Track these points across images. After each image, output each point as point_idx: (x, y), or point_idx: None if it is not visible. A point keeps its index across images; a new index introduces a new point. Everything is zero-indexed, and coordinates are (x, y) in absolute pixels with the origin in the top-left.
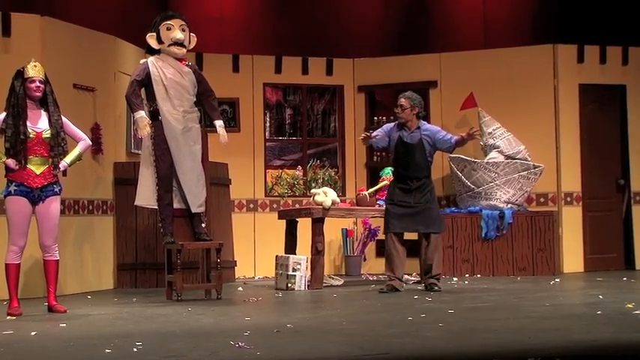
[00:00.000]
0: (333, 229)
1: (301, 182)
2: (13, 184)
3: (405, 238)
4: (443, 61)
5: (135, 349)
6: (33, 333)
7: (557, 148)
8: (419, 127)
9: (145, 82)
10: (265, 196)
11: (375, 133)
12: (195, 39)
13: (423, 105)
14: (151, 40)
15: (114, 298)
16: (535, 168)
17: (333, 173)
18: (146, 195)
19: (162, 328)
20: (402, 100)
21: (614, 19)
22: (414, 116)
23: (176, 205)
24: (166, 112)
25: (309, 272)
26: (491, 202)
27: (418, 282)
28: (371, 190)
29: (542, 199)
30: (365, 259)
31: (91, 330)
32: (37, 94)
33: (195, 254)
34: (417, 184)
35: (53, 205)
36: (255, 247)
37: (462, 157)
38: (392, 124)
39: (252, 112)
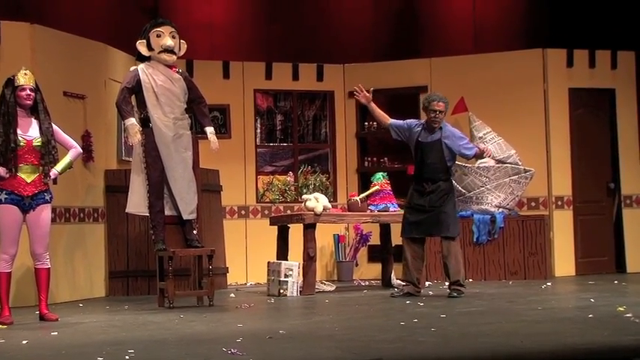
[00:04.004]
0: (324, 235)
1: (292, 188)
2: (4, 192)
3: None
4: (433, 66)
5: (127, 357)
6: (24, 342)
7: (547, 152)
8: (441, 128)
9: (135, 89)
10: (257, 202)
11: (395, 121)
12: (186, 46)
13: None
14: (141, 47)
15: (106, 305)
16: (526, 172)
17: (324, 179)
18: (137, 202)
19: (155, 336)
20: (441, 105)
21: (603, 23)
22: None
23: (167, 212)
24: (157, 119)
25: (301, 278)
26: (482, 206)
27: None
28: (362, 195)
29: (533, 203)
30: (357, 265)
31: (82, 338)
32: (28, 102)
33: (187, 261)
34: (432, 186)
35: (44, 213)
36: (247, 254)
37: None
38: (416, 121)
39: (242, 118)
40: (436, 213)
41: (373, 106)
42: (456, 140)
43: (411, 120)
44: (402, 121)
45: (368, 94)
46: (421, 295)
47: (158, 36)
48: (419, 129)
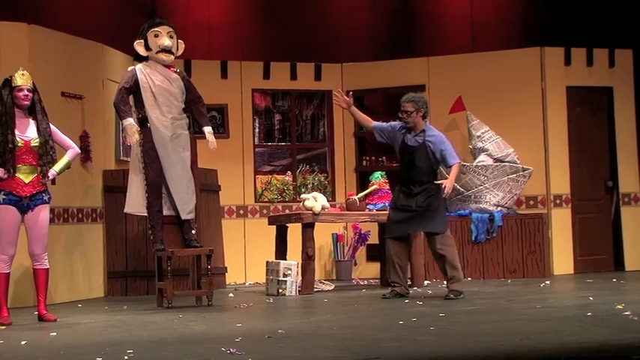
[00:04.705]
0: (323, 234)
1: (291, 188)
2: (2, 192)
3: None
4: (431, 65)
5: (126, 357)
6: (23, 342)
7: (545, 150)
8: (424, 131)
9: (133, 89)
10: (255, 201)
11: (379, 124)
12: (183, 46)
13: (427, 103)
14: (139, 47)
15: (104, 306)
16: (524, 170)
17: (322, 178)
18: (136, 202)
19: (154, 336)
20: (407, 105)
21: (601, 21)
22: (420, 118)
23: (166, 212)
24: (155, 119)
25: (299, 278)
26: (480, 205)
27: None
28: (360, 194)
29: (531, 202)
30: (355, 264)
31: (81, 338)
32: (26, 102)
33: (186, 261)
34: (419, 188)
35: (42, 213)
36: (246, 253)
37: None
38: (399, 123)
39: (241, 118)
40: (423, 212)
41: (354, 109)
42: (438, 145)
43: (395, 122)
44: (385, 124)
45: (347, 99)
46: (413, 296)
47: (156, 36)
48: (403, 131)
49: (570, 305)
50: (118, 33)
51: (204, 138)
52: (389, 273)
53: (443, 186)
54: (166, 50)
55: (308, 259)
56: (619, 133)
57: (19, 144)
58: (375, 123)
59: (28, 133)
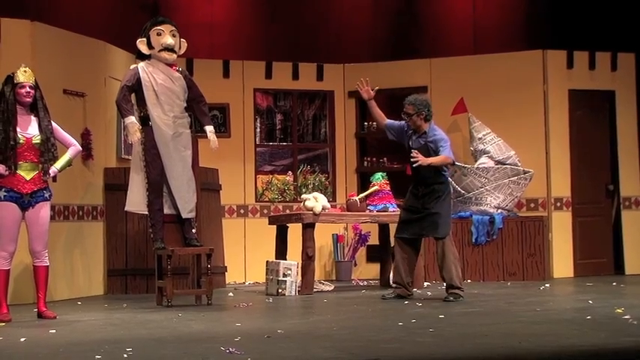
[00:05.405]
0: (323, 235)
1: (292, 188)
2: (3, 189)
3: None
4: (433, 66)
5: (125, 355)
6: (22, 339)
7: (547, 153)
8: (426, 132)
9: (135, 87)
10: (256, 201)
11: (390, 122)
12: (186, 44)
13: (430, 105)
14: (142, 45)
15: (104, 304)
16: (525, 173)
17: (323, 179)
18: (136, 200)
19: (153, 334)
20: (407, 108)
21: (603, 25)
22: (422, 121)
23: (166, 210)
24: (157, 117)
25: (299, 278)
26: (481, 207)
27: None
28: (361, 195)
29: (532, 205)
30: (355, 265)
31: (81, 336)
32: (27, 99)
33: (186, 260)
34: (425, 190)
35: (43, 210)
36: (246, 253)
37: None
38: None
39: (242, 117)
40: (427, 215)
41: (373, 103)
42: (437, 143)
43: (405, 122)
44: (397, 123)
45: (371, 91)
46: (413, 298)
47: (158, 34)
48: (409, 132)
49: (569, 308)
50: (120, 31)
51: (206, 137)
52: (393, 273)
53: (417, 155)
54: (169, 49)
55: (308, 259)
56: (620, 136)
57: (21, 141)
58: (387, 121)
59: (29, 130)
